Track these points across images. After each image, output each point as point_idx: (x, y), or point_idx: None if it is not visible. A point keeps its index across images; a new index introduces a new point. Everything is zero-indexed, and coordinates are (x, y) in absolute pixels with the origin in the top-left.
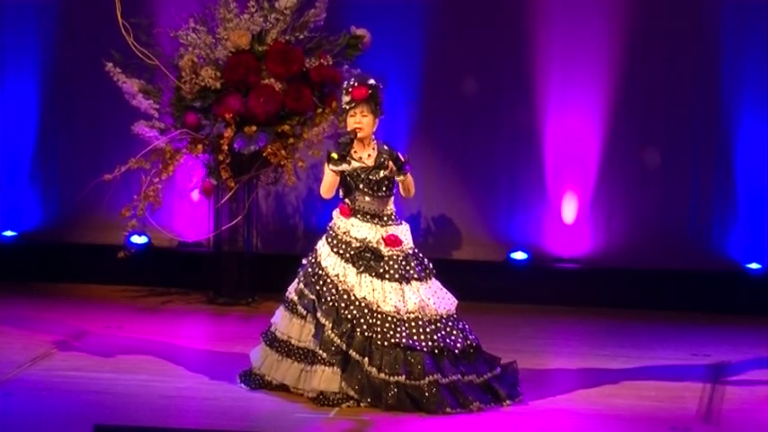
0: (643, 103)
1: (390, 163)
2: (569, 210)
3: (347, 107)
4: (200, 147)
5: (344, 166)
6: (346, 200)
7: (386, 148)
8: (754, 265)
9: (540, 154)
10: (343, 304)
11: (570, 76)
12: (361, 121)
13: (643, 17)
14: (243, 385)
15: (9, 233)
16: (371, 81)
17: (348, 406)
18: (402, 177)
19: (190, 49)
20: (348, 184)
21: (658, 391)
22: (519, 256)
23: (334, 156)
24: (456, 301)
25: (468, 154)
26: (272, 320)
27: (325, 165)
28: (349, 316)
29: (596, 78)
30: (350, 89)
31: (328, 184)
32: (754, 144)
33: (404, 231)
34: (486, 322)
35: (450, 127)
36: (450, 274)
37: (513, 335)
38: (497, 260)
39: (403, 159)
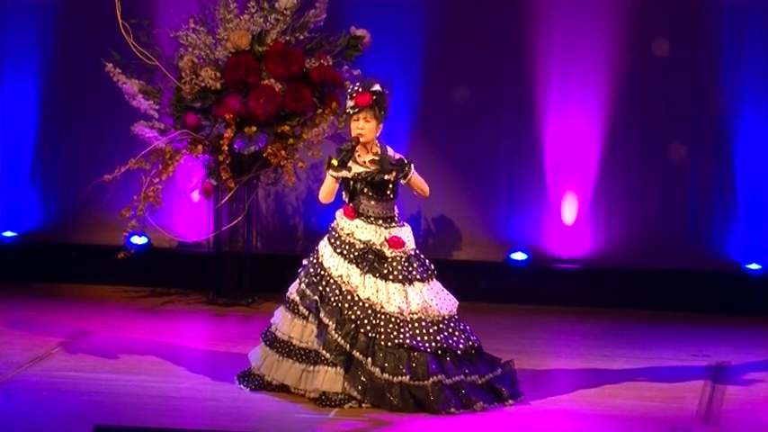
0: (643, 103)
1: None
2: (569, 210)
3: (350, 111)
4: (200, 147)
5: (344, 173)
6: (350, 203)
7: (384, 152)
8: (754, 266)
9: (540, 154)
10: (346, 305)
11: (570, 76)
12: (363, 126)
13: (643, 17)
14: (242, 386)
15: (9, 233)
16: (376, 87)
17: (350, 406)
18: (404, 181)
19: (190, 49)
20: (352, 188)
21: (658, 391)
22: (519, 256)
23: (335, 162)
24: (457, 303)
25: (469, 154)
26: (271, 321)
27: (326, 170)
28: (353, 316)
29: (596, 78)
30: (354, 95)
31: (328, 189)
32: (754, 144)
33: (407, 233)
34: (487, 323)
35: (450, 127)
36: (450, 275)
37: (513, 335)
38: (497, 260)
39: (397, 162)
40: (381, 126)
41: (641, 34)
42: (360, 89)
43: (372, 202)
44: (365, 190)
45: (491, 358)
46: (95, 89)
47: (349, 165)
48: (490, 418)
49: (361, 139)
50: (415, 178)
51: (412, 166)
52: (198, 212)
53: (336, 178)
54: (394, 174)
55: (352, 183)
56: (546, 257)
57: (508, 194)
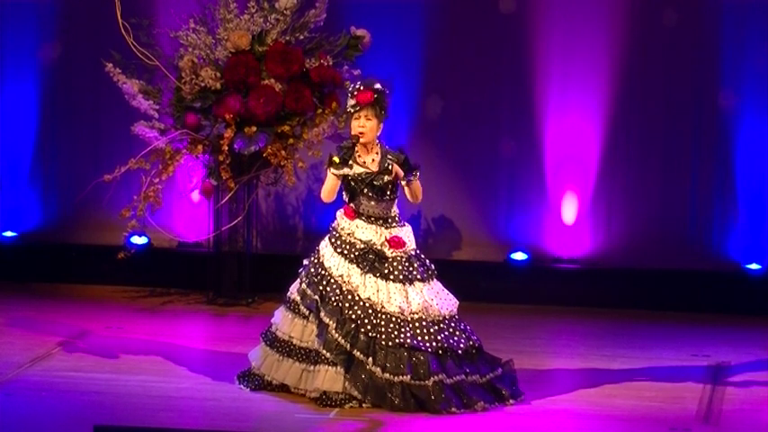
0: (643, 102)
1: (396, 166)
2: (569, 210)
3: (351, 110)
4: (200, 147)
5: (346, 170)
6: (351, 204)
7: (395, 151)
8: (754, 266)
9: (540, 154)
10: (347, 304)
11: (570, 76)
12: (364, 125)
13: (643, 17)
14: (242, 386)
15: (9, 234)
16: (377, 86)
17: (351, 406)
18: (405, 183)
19: (190, 49)
20: (352, 189)
21: (658, 391)
22: (519, 256)
23: (336, 159)
24: (457, 302)
25: (469, 154)
26: (271, 321)
27: (327, 168)
28: (353, 316)
29: (596, 78)
30: (355, 93)
31: (329, 188)
32: (754, 144)
33: (407, 233)
34: (487, 323)
35: (450, 127)
36: (450, 275)
37: (513, 335)
38: (497, 261)
39: (411, 164)
40: (381, 126)
41: (641, 34)
42: (361, 87)
43: (372, 203)
44: (365, 190)
45: (491, 358)
46: (95, 89)
47: (350, 163)
48: (491, 417)
49: (361, 139)
50: (417, 184)
51: (418, 173)
52: (198, 212)
53: (338, 176)
54: (395, 174)
55: (352, 183)
56: (546, 257)
57: (508, 194)
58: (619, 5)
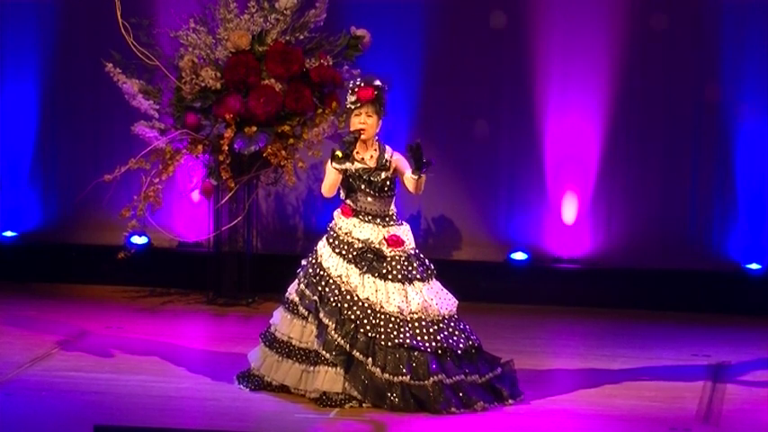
0: (643, 103)
1: (396, 160)
2: (569, 210)
3: (352, 107)
4: (200, 147)
5: (347, 165)
6: (348, 200)
7: (412, 144)
8: (754, 266)
9: (540, 154)
10: (346, 305)
11: (570, 76)
12: (365, 121)
13: (642, 17)
14: (242, 386)
15: (9, 234)
16: (377, 82)
17: (351, 406)
18: (415, 177)
19: (190, 49)
20: (349, 184)
21: (658, 391)
22: (519, 256)
23: (339, 154)
24: (456, 302)
25: (469, 154)
26: (270, 321)
27: (328, 163)
28: (352, 316)
29: (596, 79)
30: (356, 89)
31: (330, 182)
32: (754, 144)
33: (405, 232)
34: (487, 323)
35: (450, 127)
36: (450, 275)
37: (513, 335)
38: (497, 260)
39: (425, 159)
40: (380, 123)
41: (641, 34)
42: (362, 84)
43: (369, 199)
44: (362, 186)
45: (491, 358)
46: (95, 89)
47: (351, 157)
48: (490, 417)
49: (362, 135)
50: (423, 178)
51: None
52: (198, 212)
53: (340, 171)
54: (392, 171)
55: (350, 179)
56: (546, 257)
57: (508, 194)
58: (618, 5)
